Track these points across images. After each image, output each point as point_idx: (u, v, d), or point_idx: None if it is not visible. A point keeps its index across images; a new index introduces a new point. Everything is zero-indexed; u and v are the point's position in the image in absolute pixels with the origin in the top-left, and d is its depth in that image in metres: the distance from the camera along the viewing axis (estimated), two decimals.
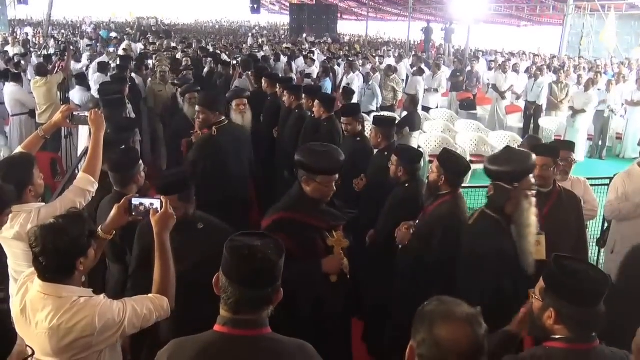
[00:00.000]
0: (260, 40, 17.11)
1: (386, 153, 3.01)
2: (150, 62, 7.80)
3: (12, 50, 10.26)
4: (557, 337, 1.36)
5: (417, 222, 2.43)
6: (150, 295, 1.54)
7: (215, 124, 3.04)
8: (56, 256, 1.38)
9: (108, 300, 1.45)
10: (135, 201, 1.65)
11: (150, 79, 6.31)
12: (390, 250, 2.53)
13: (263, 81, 4.90)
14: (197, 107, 3.07)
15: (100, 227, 1.64)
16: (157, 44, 11.85)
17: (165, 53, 9.05)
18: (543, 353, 1.36)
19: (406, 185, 2.64)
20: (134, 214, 1.65)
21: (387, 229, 2.57)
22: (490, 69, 10.75)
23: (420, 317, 1.09)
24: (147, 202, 1.64)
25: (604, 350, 1.35)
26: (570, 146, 2.94)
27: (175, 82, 5.67)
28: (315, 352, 1.28)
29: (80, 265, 1.43)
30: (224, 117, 3.13)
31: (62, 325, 1.36)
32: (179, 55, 8.66)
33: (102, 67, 6.77)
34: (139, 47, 11.79)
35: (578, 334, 1.33)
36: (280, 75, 6.25)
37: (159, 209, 1.59)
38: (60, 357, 1.39)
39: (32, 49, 11.71)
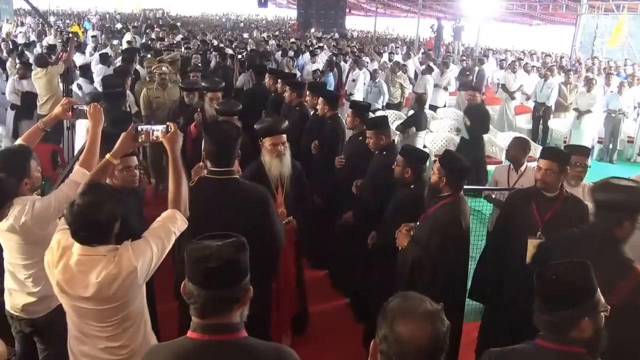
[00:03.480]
0: (266, 35, 16.95)
1: (385, 153, 2.95)
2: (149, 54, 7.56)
3: (52, 41, 10.08)
4: (541, 333, 1.39)
5: (418, 224, 2.40)
6: (157, 219, 1.70)
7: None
8: (95, 228, 1.55)
9: (132, 242, 1.63)
10: (142, 127, 1.83)
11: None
12: (392, 252, 2.49)
13: (266, 77, 4.82)
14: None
15: (109, 153, 1.84)
16: (166, 40, 10.93)
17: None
18: (526, 348, 1.38)
19: (412, 186, 2.61)
20: (140, 140, 1.83)
21: (391, 230, 2.52)
22: (501, 67, 10.56)
23: (383, 314, 1.10)
24: (152, 127, 1.82)
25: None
26: (584, 151, 2.88)
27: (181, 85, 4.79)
28: (295, 356, 1.25)
29: (115, 229, 1.62)
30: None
31: (109, 272, 1.55)
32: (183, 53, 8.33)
33: (104, 59, 6.72)
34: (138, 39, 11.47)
35: (547, 332, 1.35)
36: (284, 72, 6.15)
37: (166, 132, 1.77)
38: (117, 301, 1.58)
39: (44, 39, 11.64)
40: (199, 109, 3.87)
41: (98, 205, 1.54)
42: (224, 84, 4.11)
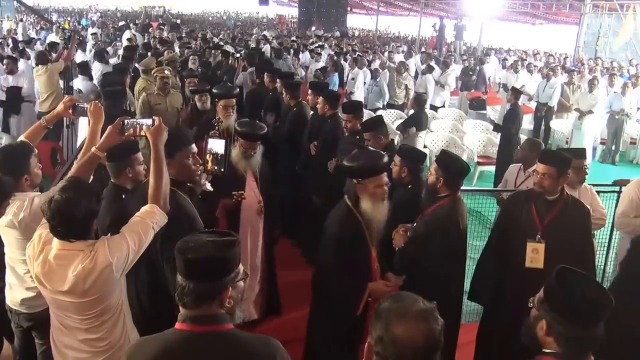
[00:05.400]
0: (267, 33, 16.88)
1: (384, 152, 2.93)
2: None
3: (54, 38, 9.96)
4: (547, 350, 1.32)
5: (415, 224, 2.39)
6: (136, 214, 1.70)
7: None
8: (73, 224, 1.57)
9: (109, 237, 1.66)
10: (129, 121, 1.82)
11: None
12: (390, 253, 2.46)
13: (265, 76, 4.79)
14: None
15: (95, 146, 1.85)
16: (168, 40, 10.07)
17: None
18: None
19: (409, 186, 2.60)
20: (126, 133, 1.82)
21: (389, 231, 2.48)
22: (503, 67, 10.51)
23: (377, 315, 1.09)
24: (139, 121, 1.82)
25: None
26: (584, 154, 2.88)
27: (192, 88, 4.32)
28: (281, 348, 1.27)
29: (94, 225, 1.65)
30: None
31: (85, 267, 1.57)
32: (177, 49, 8.01)
33: (101, 56, 6.70)
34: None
35: (567, 351, 1.29)
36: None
37: (151, 126, 1.78)
38: (93, 295, 1.61)
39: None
40: (216, 119, 3.45)
41: (76, 201, 1.55)
42: (238, 90, 3.82)
